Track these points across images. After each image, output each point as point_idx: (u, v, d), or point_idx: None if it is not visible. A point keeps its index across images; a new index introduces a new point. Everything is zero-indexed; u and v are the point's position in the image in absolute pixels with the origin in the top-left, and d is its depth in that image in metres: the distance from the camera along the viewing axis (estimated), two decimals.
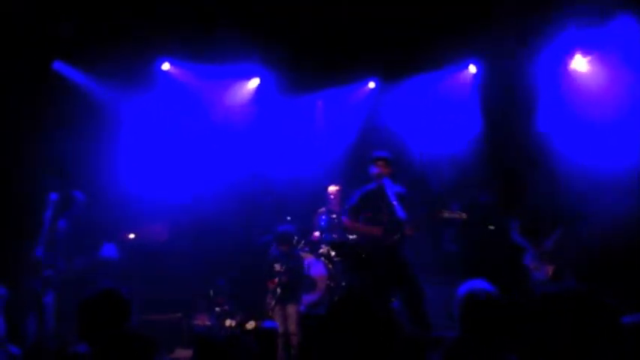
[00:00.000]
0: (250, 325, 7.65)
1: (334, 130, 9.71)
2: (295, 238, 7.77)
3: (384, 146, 7.42)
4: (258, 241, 8.61)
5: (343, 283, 8.10)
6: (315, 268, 8.05)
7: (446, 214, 6.34)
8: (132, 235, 8.31)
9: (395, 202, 6.43)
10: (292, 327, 7.25)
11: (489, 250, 8.36)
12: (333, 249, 7.88)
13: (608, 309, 2.22)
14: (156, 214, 8.60)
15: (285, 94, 9.29)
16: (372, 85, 9.61)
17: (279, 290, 7.34)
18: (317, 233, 8.44)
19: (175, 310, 8.20)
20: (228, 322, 7.96)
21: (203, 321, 8.04)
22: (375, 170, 6.60)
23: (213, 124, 9.17)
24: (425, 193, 8.29)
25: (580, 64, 8.47)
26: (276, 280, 7.42)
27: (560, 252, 7.10)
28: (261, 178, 9.17)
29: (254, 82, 9.40)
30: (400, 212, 6.39)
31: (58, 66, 8.45)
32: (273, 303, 7.32)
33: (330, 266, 8.09)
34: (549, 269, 7.09)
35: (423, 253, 6.94)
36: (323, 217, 8.57)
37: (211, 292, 8.28)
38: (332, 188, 8.64)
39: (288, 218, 8.42)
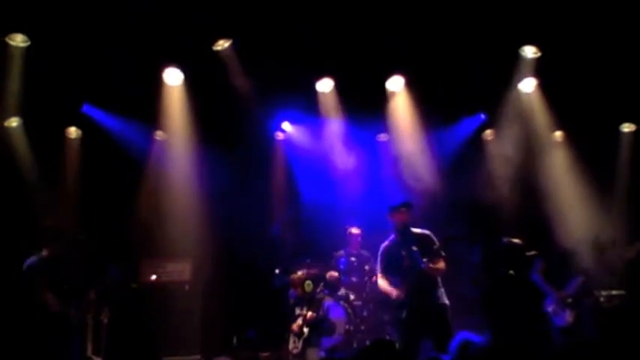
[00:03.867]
0: None
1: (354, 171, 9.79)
2: (308, 282, 7.78)
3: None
4: (275, 283, 8.65)
5: (362, 327, 8.10)
6: (335, 311, 8.04)
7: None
8: (154, 276, 8.44)
9: (414, 248, 6.39)
10: None
11: (509, 295, 8.34)
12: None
13: None
14: (179, 252, 8.72)
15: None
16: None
17: (305, 330, 7.37)
18: (335, 273, 8.44)
19: (194, 350, 8.21)
20: None
21: None
22: (394, 220, 6.58)
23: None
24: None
25: None
26: (300, 322, 7.44)
27: (582, 298, 7.04)
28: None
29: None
30: (418, 259, 6.35)
31: (88, 109, 8.67)
32: (300, 345, 7.35)
33: (350, 310, 8.09)
34: (570, 315, 7.02)
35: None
36: (342, 259, 8.60)
37: (234, 340, 8.27)
38: (354, 231, 8.68)
39: (308, 261, 8.45)
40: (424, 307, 6.20)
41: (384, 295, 6.65)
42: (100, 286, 6.88)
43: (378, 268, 6.65)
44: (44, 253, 6.41)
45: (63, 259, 6.62)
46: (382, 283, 6.53)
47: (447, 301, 6.34)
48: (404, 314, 6.23)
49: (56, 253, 6.49)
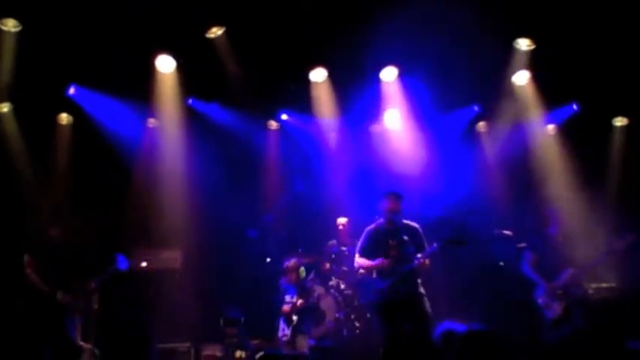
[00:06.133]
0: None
1: (346, 162, 9.79)
2: (302, 269, 7.81)
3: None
4: (266, 272, 8.66)
5: (352, 316, 8.14)
6: (325, 299, 8.09)
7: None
8: (144, 264, 8.42)
9: (405, 238, 6.46)
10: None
11: (500, 286, 8.42)
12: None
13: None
14: (170, 239, 8.70)
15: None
16: (388, 118, 9.73)
17: (295, 318, 7.37)
18: (327, 265, 8.51)
19: (184, 339, 8.21)
20: (238, 354, 7.95)
21: (213, 351, 8.03)
22: (384, 206, 6.62)
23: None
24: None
25: None
26: (290, 306, 7.44)
27: (572, 289, 7.07)
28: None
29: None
30: (409, 248, 6.42)
31: (77, 94, 8.58)
32: (289, 332, 7.34)
33: (340, 298, 8.14)
34: (559, 307, 7.04)
35: (435, 289, 6.91)
36: (334, 248, 8.65)
37: (221, 321, 8.26)
38: (341, 220, 8.74)
39: (300, 250, 8.48)
40: (404, 296, 6.28)
41: (366, 273, 6.73)
42: (104, 275, 6.88)
43: (358, 248, 6.72)
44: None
45: (62, 244, 6.66)
46: (362, 260, 6.60)
47: (423, 291, 6.52)
48: (384, 301, 6.34)
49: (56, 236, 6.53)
